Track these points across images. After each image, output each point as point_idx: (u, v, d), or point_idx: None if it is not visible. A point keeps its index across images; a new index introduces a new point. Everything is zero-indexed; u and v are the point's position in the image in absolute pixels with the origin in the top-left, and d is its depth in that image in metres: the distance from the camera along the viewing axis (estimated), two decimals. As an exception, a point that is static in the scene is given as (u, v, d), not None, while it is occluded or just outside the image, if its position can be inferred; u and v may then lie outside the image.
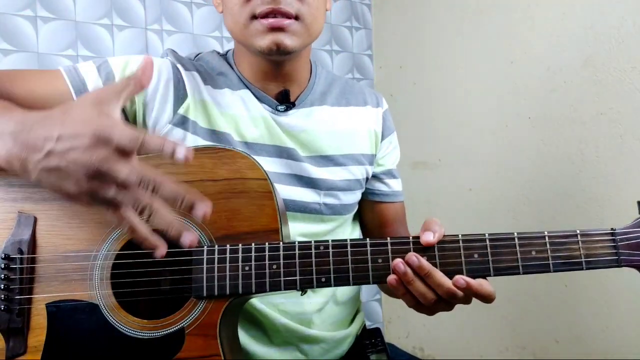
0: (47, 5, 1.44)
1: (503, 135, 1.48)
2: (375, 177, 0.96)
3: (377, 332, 0.95)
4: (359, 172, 0.91)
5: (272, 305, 0.83)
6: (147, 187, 0.56)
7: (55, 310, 0.67)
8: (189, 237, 0.60)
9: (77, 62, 1.47)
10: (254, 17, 0.78)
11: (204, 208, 0.58)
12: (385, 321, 1.98)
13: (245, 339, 0.82)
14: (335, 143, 0.89)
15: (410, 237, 0.67)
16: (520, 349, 1.47)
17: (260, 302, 0.82)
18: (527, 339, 1.45)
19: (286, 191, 0.84)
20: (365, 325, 0.99)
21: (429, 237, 0.65)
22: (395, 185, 0.99)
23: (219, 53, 0.92)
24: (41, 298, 0.68)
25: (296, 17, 0.79)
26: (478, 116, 1.56)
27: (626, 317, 1.22)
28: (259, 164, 0.71)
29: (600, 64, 1.24)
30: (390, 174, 0.98)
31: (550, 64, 1.35)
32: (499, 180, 1.50)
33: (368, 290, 1.96)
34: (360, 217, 1.00)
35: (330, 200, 0.88)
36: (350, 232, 0.95)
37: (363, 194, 0.96)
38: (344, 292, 0.92)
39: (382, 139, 0.96)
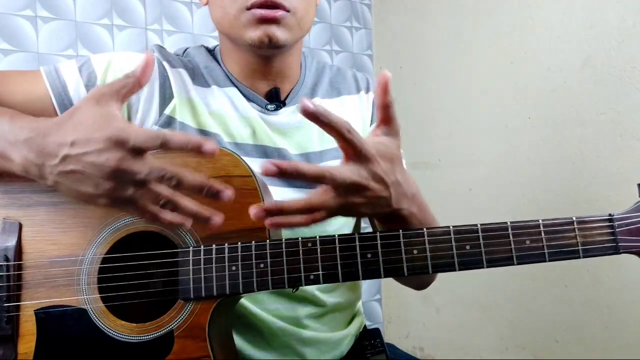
0: (47, 5, 1.44)
1: (503, 135, 1.48)
2: None
3: (376, 333, 0.95)
4: None
5: (267, 310, 0.82)
6: (170, 183, 0.56)
7: (44, 316, 0.67)
8: (218, 219, 0.60)
9: (77, 62, 1.47)
10: (246, 8, 0.76)
11: (229, 192, 0.58)
12: (385, 321, 1.98)
13: (242, 343, 0.81)
14: (327, 137, 0.87)
15: (401, 232, 0.65)
16: (520, 349, 1.47)
17: (255, 307, 0.81)
18: (527, 339, 1.45)
19: (278, 192, 0.82)
20: (365, 325, 0.99)
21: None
22: None
23: (206, 48, 0.90)
24: (30, 305, 0.67)
25: (289, 10, 0.77)
26: (478, 116, 1.56)
27: (626, 317, 1.21)
28: (243, 160, 0.70)
29: (600, 64, 1.24)
30: None
31: (550, 64, 1.35)
32: (499, 180, 1.50)
33: (368, 290, 1.96)
34: None
35: None
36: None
37: None
38: (339, 300, 0.90)
39: (371, 123, 0.92)
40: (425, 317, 1.78)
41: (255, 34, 0.76)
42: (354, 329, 0.94)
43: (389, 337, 1.93)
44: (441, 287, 1.71)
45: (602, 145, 1.24)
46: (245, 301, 0.80)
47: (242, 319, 0.81)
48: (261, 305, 0.81)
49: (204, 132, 0.81)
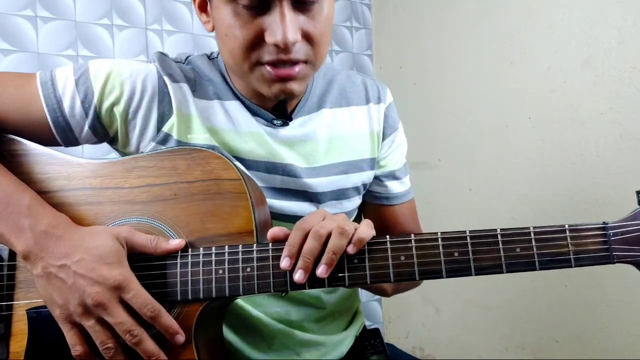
0: (47, 5, 1.44)
1: (503, 135, 1.48)
2: (375, 178, 0.91)
3: (376, 333, 0.94)
4: (358, 179, 0.87)
5: (268, 314, 0.81)
6: (130, 338, 0.62)
7: (36, 316, 0.67)
8: None
9: (77, 62, 1.47)
10: (260, 63, 0.71)
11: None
12: (385, 321, 1.98)
13: (242, 345, 0.81)
14: (335, 150, 0.85)
15: (388, 237, 0.64)
16: (520, 349, 1.47)
17: (256, 310, 0.80)
18: (527, 339, 1.45)
19: (285, 205, 0.81)
20: (365, 325, 0.99)
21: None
22: (394, 187, 0.92)
23: (209, 57, 0.85)
24: (22, 304, 0.68)
25: (306, 61, 0.72)
26: (478, 116, 1.56)
27: (626, 317, 1.22)
28: (233, 163, 0.69)
29: (600, 64, 1.24)
30: (391, 175, 0.92)
31: (550, 64, 1.35)
32: (499, 180, 1.50)
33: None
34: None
35: (328, 209, 0.84)
36: None
37: (364, 196, 0.91)
38: (339, 302, 0.90)
39: (384, 138, 0.90)
40: (425, 317, 1.78)
41: (271, 90, 0.73)
42: (354, 330, 0.93)
43: (388, 337, 1.93)
44: (441, 287, 1.71)
45: (602, 145, 1.24)
46: (246, 304, 0.80)
47: (243, 321, 0.81)
48: (262, 309, 0.81)
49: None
